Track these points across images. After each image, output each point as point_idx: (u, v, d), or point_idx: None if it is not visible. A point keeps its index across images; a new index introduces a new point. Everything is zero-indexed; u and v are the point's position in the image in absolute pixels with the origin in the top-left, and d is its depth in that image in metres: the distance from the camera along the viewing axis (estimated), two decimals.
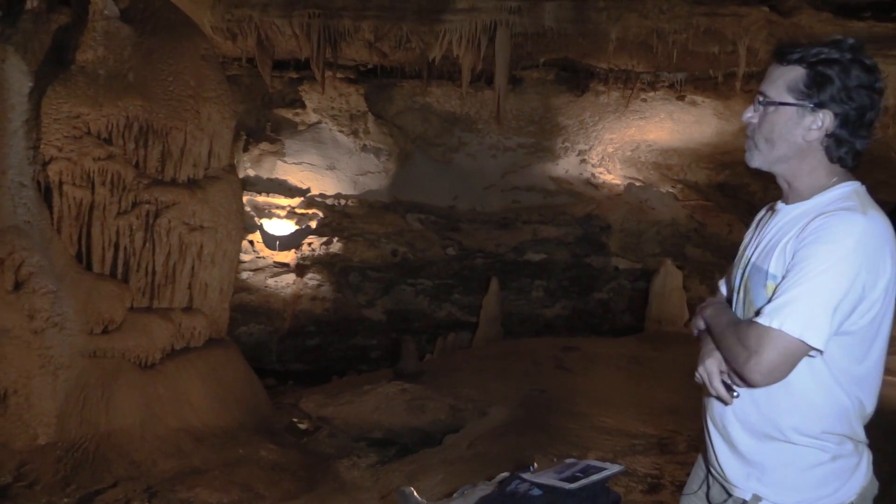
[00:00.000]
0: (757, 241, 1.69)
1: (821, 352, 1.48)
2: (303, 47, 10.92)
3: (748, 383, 1.53)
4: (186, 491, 5.07)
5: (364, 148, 14.28)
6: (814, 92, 1.53)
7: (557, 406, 6.67)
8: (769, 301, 1.52)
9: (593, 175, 14.52)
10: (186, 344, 6.40)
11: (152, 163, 6.22)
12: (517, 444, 5.64)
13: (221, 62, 8.50)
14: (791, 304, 1.45)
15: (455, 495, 3.40)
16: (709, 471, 1.78)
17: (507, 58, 10.57)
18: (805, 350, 1.47)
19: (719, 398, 1.63)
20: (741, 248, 1.77)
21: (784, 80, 1.56)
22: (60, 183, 5.77)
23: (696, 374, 1.67)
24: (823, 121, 1.54)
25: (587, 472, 3.09)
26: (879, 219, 1.51)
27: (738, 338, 1.52)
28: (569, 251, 14.72)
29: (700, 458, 1.88)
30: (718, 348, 1.60)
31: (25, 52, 5.82)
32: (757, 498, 1.61)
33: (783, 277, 1.52)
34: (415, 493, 3.40)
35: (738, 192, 13.87)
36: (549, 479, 3.07)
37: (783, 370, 1.49)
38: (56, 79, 5.82)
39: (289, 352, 13.73)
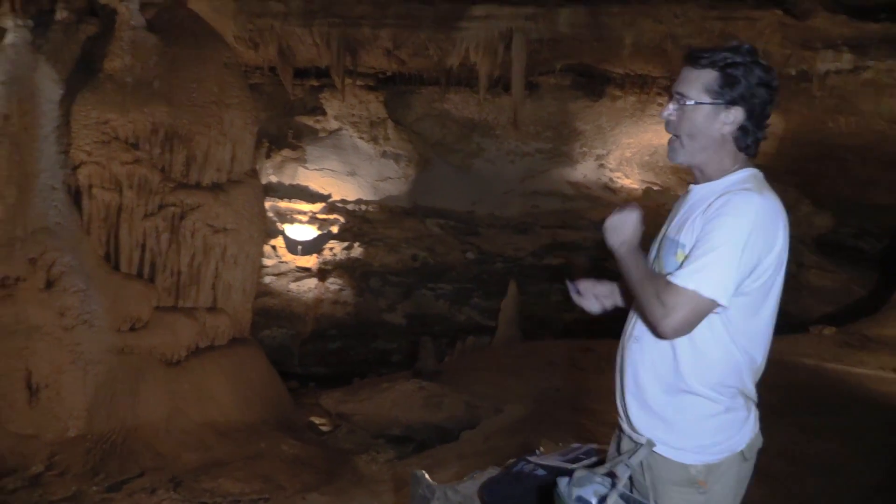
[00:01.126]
0: (670, 218, 1.91)
1: (726, 308, 1.69)
2: (323, 56, 11.18)
3: (659, 335, 1.74)
4: (210, 481, 5.26)
5: (384, 154, 14.48)
6: (726, 91, 1.74)
7: (571, 403, 6.77)
8: (680, 266, 1.73)
9: (611, 179, 14.59)
10: (210, 342, 6.61)
11: (177, 167, 6.45)
12: (531, 439, 5.75)
13: (244, 71, 8.75)
14: (704, 269, 1.66)
15: (465, 479, 3.53)
16: (620, 426, 1.97)
17: (523, 64, 10.75)
18: (712, 308, 1.68)
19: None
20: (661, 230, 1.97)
21: (700, 81, 1.76)
22: (90, 186, 6.01)
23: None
24: (735, 116, 1.76)
25: (590, 454, 3.21)
26: (772, 198, 1.73)
27: (656, 294, 1.69)
28: (587, 255, 14.78)
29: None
30: (633, 291, 1.78)
31: (56, 61, 6.08)
32: (651, 443, 1.80)
33: (693, 247, 1.72)
34: (426, 476, 3.54)
35: None
36: (553, 460, 3.19)
37: (691, 326, 1.70)
38: (85, 86, 6.07)
39: (310, 355, 13.91)
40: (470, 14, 10.29)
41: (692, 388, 1.77)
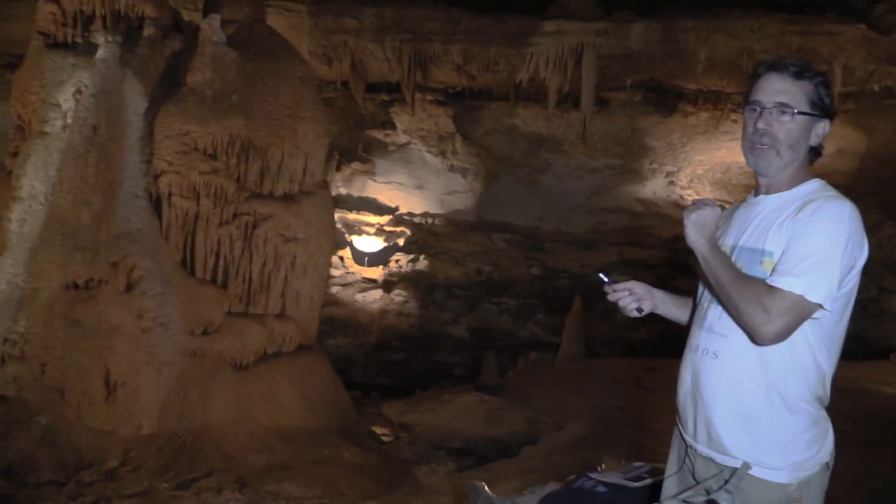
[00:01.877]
0: (737, 229, 1.87)
1: (826, 313, 1.66)
2: (394, 71, 11.37)
3: (756, 341, 1.68)
4: (274, 484, 5.37)
5: (451, 168, 14.60)
6: (822, 104, 1.77)
7: (635, 423, 6.66)
8: (774, 272, 1.68)
9: (682, 197, 14.33)
10: (278, 348, 6.76)
11: (252, 177, 6.66)
12: (592, 456, 5.68)
13: (318, 85, 8.98)
14: (809, 272, 1.62)
15: (525, 493, 3.52)
16: (687, 448, 1.87)
17: (593, 79, 10.69)
18: (813, 313, 1.65)
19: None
20: (717, 237, 1.90)
21: (804, 93, 1.76)
22: (169, 194, 6.26)
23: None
24: (825, 129, 1.80)
25: (652, 473, 3.16)
26: (856, 207, 1.71)
27: (757, 298, 1.63)
28: (655, 274, 14.51)
29: (675, 442, 1.97)
30: (722, 293, 1.72)
31: (142, 75, 6.37)
32: (747, 466, 1.71)
33: (783, 252, 1.69)
34: (486, 488, 3.55)
35: None
36: (614, 478, 3.16)
37: (791, 332, 1.65)
38: (168, 99, 6.34)
39: (374, 365, 14.06)
40: (540, 30, 10.31)
41: (789, 403, 1.72)
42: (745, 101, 1.84)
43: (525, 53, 10.57)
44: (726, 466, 1.76)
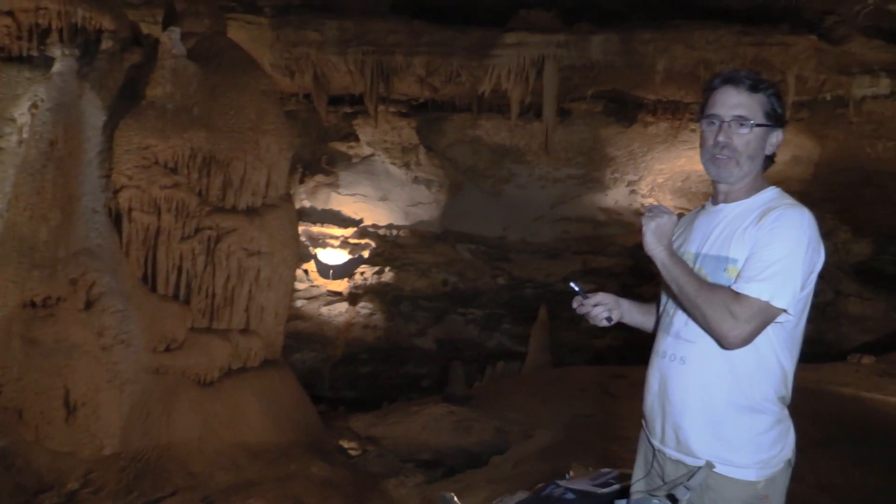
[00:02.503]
0: (699, 237, 1.92)
1: (790, 317, 1.73)
2: (357, 83, 11.36)
3: (725, 346, 1.73)
4: (241, 502, 5.30)
5: (416, 179, 14.61)
6: (776, 115, 1.85)
7: (602, 430, 6.71)
8: (738, 279, 1.74)
9: (643, 205, 14.53)
10: (243, 364, 6.69)
11: (214, 191, 6.59)
12: (561, 464, 5.70)
13: (280, 98, 8.93)
14: (773, 278, 1.69)
15: (494, 502, 3.52)
16: (655, 452, 1.93)
17: (555, 90, 10.80)
18: (777, 317, 1.71)
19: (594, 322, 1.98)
20: (675, 246, 1.95)
21: (760, 105, 1.84)
22: (130, 209, 6.16)
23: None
24: (778, 138, 1.88)
25: (620, 479, 3.18)
26: (813, 214, 1.79)
27: (725, 305, 1.69)
28: (619, 282, 14.67)
29: (641, 446, 2.03)
30: (686, 300, 1.76)
31: (100, 88, 6.28)
32: (710, 465, 1.77)
33: (747, 259, 1.75)
34: (455, 499, 3.54)
35: None
36: (582, 484, 3.18)
37: (756, 336, 1.72)
38: (128, 113, 6.25)
39: (341, 379, 13.96)
40: (502, 42, 10.39)
41: (756, 404, 1.78)
42: (702, 113, 1.90)
43: (487, 65, 10.64)
44: (697, 468, 1.80)
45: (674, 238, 1.95)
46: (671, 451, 1.87)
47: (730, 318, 1.68)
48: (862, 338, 12.08)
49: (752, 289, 1.69)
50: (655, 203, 1.91)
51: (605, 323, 2.02)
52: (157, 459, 5.58)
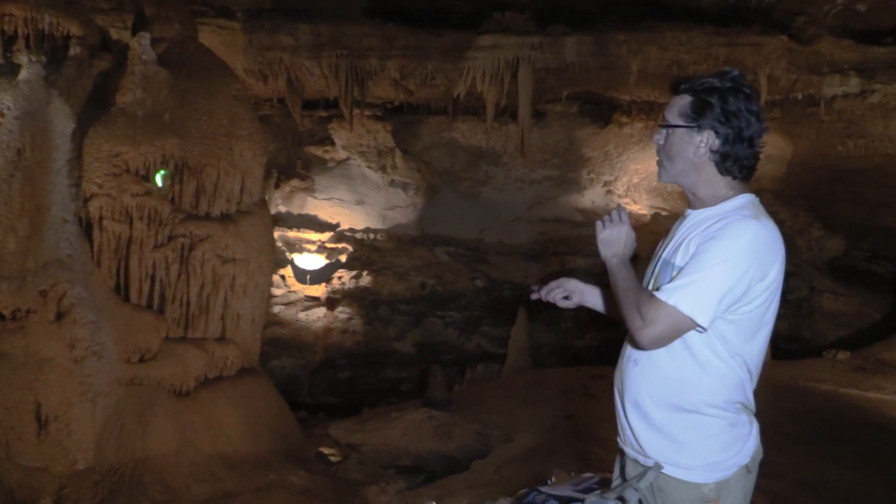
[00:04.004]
0: (668, 242, 1.95)
1: (705, 329, 1.74)
2: (331, 87, 11.28)
3: (638, 346, 1.81)
4: None
5: (392, 183, 14.55)
6: (697, 116, 1.81)
7: (583, 431, 6.70)
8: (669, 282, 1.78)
9: (619, 206, 14.59)
10: (219, 373, 6.60)
11: (187, 198, 6.50)
12: (543, 468, 5.68)
13: (253, 103, 8.84)
14: (686, 286, 1.71)
15: None
16: (622, 451, 1.99)
17: (529, 92, 10.80)
18: (691, 326, 1.74)
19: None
20: (655, 252, 2.01)
21: (676, 106, 1.85)
22: (101, 218, 6.06)
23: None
24: (707, 140, 1.82)
25: (602, 484, 3.16)
26: (770, 226, 1.77)
27: (637, 306, 1.74)
28: (597, 282, 14.71)
29: (617, 446, 2.07)
30: (619, 302, 1.82)
31: (69, 95, 6.16)
32: (658, 466, 1.81)
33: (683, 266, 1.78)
34: None
35: None
36: (565, 490, 3.15)
37: (669, 340, 1.75)
38: (97, 120, 6.14)
39: (320, 385, 13.85)
40: (476, 44, 10.37)
41: (698, 408, 1.80)
42: None
43: (462, 68, 10.62)
44: (647, 468, 1.85)
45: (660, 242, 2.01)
46: (629, 451, 1.94)
47: (638, 318, 1.72)
48: (837, 333, 12.23)
49: (662, 293, 1.73)
50: (617, 209, 1.94)
51: (565, 303, 2.13)
52: (132, 473, 5.49)
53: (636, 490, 1.83)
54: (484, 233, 14.96)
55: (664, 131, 1.88)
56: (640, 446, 1.87)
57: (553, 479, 3.70)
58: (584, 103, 12.48)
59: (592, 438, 6.42)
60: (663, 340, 1.74)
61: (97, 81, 6.45)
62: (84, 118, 6.16)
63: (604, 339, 14.28)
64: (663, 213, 14.53)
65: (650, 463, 1.84)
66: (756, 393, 1.85)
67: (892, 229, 12.79)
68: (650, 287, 1.89)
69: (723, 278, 1.69)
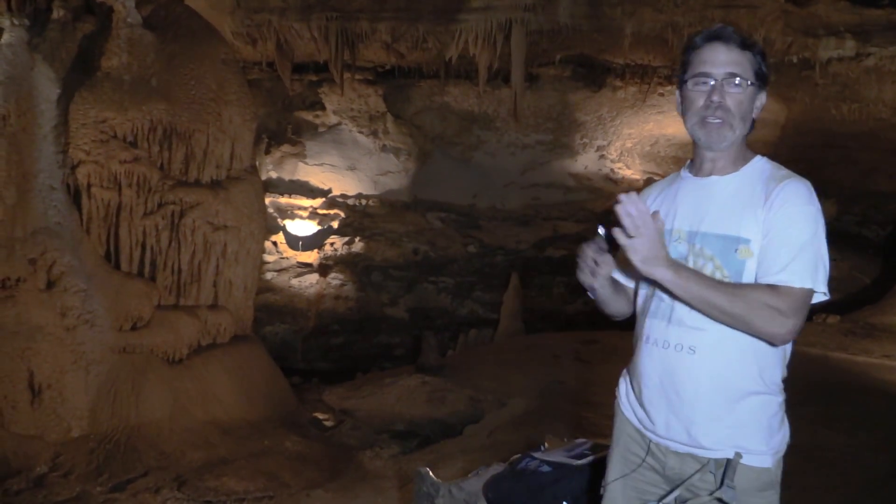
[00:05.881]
0: (690, 213, 1.76)
1: (829, 297, 1.65)
2: (321, 50, 11.12)
3: (774, 344, 1.65)
4: (214, 480, 5.24)
5: (384, 148, 14.46)
6: (763, 76, 1.74)
7: (575, 396, 6.76)
8: (767, 270, 1.63)
9: (612, 170, 14.55)
10: (212, 340, 6.59)
11: (176, 164, 6.41)
12: (535, 432, 5.73)
13: (242, 66, 8.70)
14: (810, 264, 1.60)
15: (470, 475, 3.51)
16: (650, 444, 1.80)
17: (522, 55, 10.68)
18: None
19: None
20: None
21: (750, 64, 1.71)
22: (89, 185, 5.98)
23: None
24: (763, 100, 1.76)
25: (595, 450, 3.19)
26: None
27: (766, 304, 1.56)
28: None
29: (622, 439, 1.90)
30: (716, 311, 1.60)
31: (53, 60, 6.02)
32: (739, 456, 1.67)
33: (770, 243, 1.64)
34: (430, 473, 3.53)
35: None
36: (558, 456, 3.18)
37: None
38: (83, 85, 6.03)
39: (313, 351, 13.92)
40: (468, 6, 10.21)
41: (769, 389, 1.71)
42: (686, 72, 1.75)
43: (454, 30, 10.47)
44: (710, 459, 1.70)
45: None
46: (678, 446, 1.74)
47: (777, 315, 1.56)
48: None
49: (794, 279, 1.58)
50: (623, 200, 1.54)
51: (590, 284, 1.82)
52: (126, 440, 5.49)
53: (731, 488, 1.66)
54: (476, 198, 14.92)
55: (740, 90, 1.69)
56: (705, 438, 1.70)
57: (546, 444, 3.73)
58: (577, 67, 12.37)
59: (584, 403, 6.48)
60: (801, 328, 1.62)
61: (82, 45, 6.30)
62: (69, 83, 6.04)
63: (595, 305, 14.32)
64: (656, 179, 14.47)
65: (712, 455, 1.69)
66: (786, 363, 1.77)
67: (884, 193, 12.82)
68: (689, 263, 1.71)
69: (823, 240, 1.63)
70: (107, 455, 5.33)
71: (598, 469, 3.05)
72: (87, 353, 5.58)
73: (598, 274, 1.79)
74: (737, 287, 1.62)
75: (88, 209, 6.01)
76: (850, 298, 11.85)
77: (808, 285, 1.58)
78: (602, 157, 14.36)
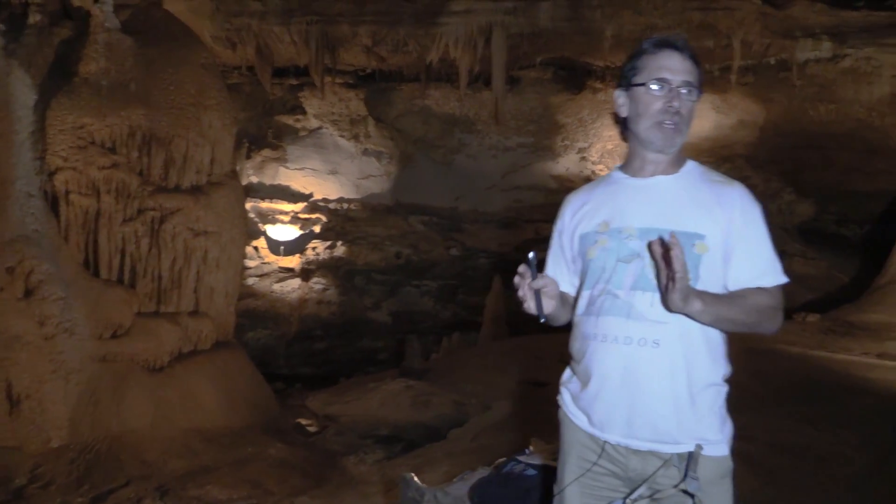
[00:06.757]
0: (636, 210, 1.79)
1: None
2: (302, 54, 11.08)
3: (768, 334, 1.77)
4: (197, 489, 5.19)
5: (365, 152, 14.42)
6: (701, 87, 1.81)
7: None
8: (747, 274, 1.74)
9: (594, 172, 14.60)
10: (194, 347, 6.53)
11: (156, 170, 6.36)
12: (520, 436, 5.73)
13: (222, 71, 8.65)
14: (775, 261, 1.76)
15: (455, 480, 3.51)
16: (605, 446, 1.78)
17: (503, 58, 10.70)
18: None
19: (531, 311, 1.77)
20: (594, 223, 1.84)
21: (697, 71, 1.79)
22: (67, 192, 5.91)
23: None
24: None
25: None
26: None
27: (768, 309, 1.72)
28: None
29: (574, 448, 1.85)
30: (738, 327, 1.71)
31: (30, 65, 5.96)
32: (700, 447, 1.69)
33: (739, 248, 1.73)
34: (415, 479, 3.51)
35: None
36: (542, 459, 3.17)
37: None
38: (60, 91, 5.96)
39: (296, 356, 13.85)
40: (449, 9, 10.23)
41: (722, 379, 1.76)
42: (638, 76, 1.78)
43: (434, 33, 10.48)
44: (673, 454, 1.70)
45: (579, 213, 1.88)
46: (640, 444, 1.72)
47: (778, 313, 1.73)
48: (807, 296, 12.42)
49: (777, 278, 1.74)
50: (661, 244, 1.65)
51: (534, 312, 1.78)
52: (108, 449, 5.43)
53: (695, 479, 1.66)
54: (458, 201, 14.92)
55: (692, 98, 1.77)
56: (668, 433, 1.70)
57: (531, 447, 3.73)
58: (558, 69, 12.41)
59: None
60: None
61: (59, 50, 6.25)
62: (46, 89, 5.97)
63: None
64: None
65: (675, 449, 1.70)
66: (729, 355, 1.83)
67: (861, 193, 12.96)
68: (640, 258, 1.74)
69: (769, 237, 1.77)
70: (87, 465, 5.26)
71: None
72: (66, 361, 5.51)
73: (548, 297, 1.78)
74: (740, 298, 1.71)
75: (67, 216, 5.94)
76: (829, 297, 11.97)
77: (784, 280, 1.74)
78: (583, 158, 14.41)
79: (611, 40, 10.23)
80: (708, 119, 12.60)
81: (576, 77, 12.49)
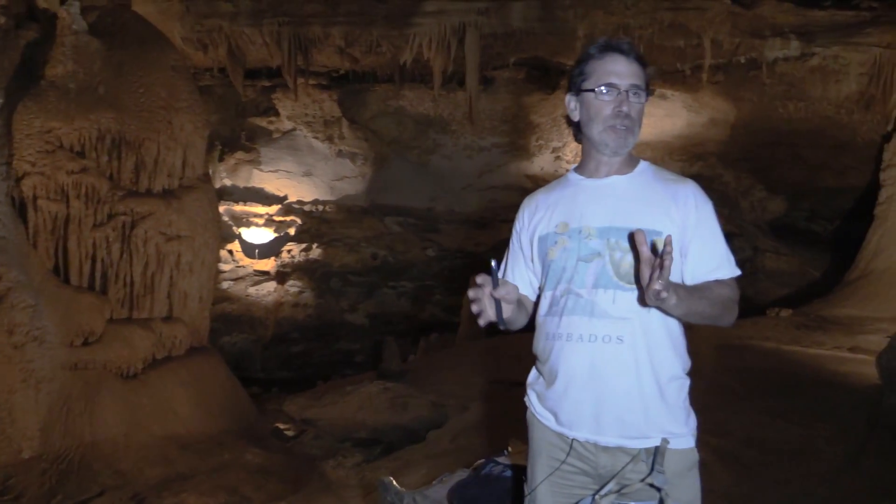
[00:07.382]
0: (596, 211, 1.81)
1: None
2: (274, 55, 11.00)
3: (727, 326, 1.81)
4: (173, 497, 5.12)
5: (340, 153, 14.35)
6: (649, 88, 1.86)
7: None
8: (704, 267, 1.79)
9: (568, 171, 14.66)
10: (168, 353, 6.45)
11: (126, 174, 6.27)
12: (498, 436, 5.73)
13: (193, 73, 8.56)
14: (729, 253, 1.81)
15: (434, 483, 3.49)
16: (573, 444, 1.79)
17: (476, 59, 10.72)
18: None
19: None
20: (553, 225, 1.88)
21: (643, 73, 1.82)
22: (35, 197, 5.80)
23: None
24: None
25: None
26: None
27: (732, 298, 1.77)
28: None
29: (544, 449, 1.86)
30: (704, 319, 1.73)
31: None
32: (666, 441, 1.71)
33: (697, 244, 1.78)
34: (394, 483, 3.49)
35: (712, 184, 14.07)
36: (521, 460, 3.16)
37: None
38: (27, 94, 5.85)
39: (273, 360, 13.74)
40: (422, 10, 10.22)
41: (683, 372, 1.80)
42: (588, 81, 1.82)
43: (408, 34, 10.47)
44: (641, 450, 1.72)
45: (536, 215, 1.94)
46: (609, 440, 1.74)
47: (736, 305, 1.78)
48: (779, 292, 12.59)
49: (733, 270, 1.79)
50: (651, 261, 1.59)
51: (492, 319, 1.76)
52: (81, 459, 5.33)
53: (661, 472, 1.68)
54: (434, 202, 14.91)
55: (640, 100, 1.81)
56: (635, 427, 1.72)
57: (510, 448, 3.73)
58: (531, 69, 12.45)
59: None
60: None
61: (25, 53, 6.13)
62: (12, 92, 5.85)
63: None
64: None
65: (643, 444, 1.72)
66: (703, 352, 1.88)
67: (831, 189, 13.16)
68: (602, 256, 1.77)
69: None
70: (60, 476, 5.17)
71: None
72: (36, 370, 5.40)
73: (507, 302, 1.77)
74: (706, 290, 1.74)
75: (35, 222, 5.83)
76: (801, 292, 12.14)
77: (737, 272, 1.79)
78: (558, 158, 14.46)
79: (583, 40, 10.28)
80: (680, 118, 12.72)
81: (549, 77, 12.53)
